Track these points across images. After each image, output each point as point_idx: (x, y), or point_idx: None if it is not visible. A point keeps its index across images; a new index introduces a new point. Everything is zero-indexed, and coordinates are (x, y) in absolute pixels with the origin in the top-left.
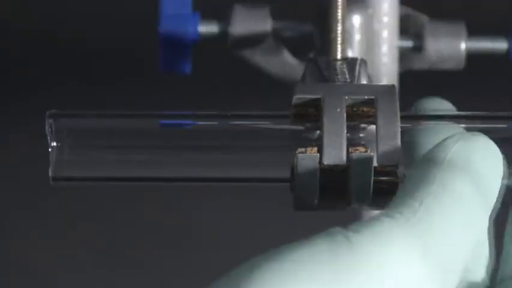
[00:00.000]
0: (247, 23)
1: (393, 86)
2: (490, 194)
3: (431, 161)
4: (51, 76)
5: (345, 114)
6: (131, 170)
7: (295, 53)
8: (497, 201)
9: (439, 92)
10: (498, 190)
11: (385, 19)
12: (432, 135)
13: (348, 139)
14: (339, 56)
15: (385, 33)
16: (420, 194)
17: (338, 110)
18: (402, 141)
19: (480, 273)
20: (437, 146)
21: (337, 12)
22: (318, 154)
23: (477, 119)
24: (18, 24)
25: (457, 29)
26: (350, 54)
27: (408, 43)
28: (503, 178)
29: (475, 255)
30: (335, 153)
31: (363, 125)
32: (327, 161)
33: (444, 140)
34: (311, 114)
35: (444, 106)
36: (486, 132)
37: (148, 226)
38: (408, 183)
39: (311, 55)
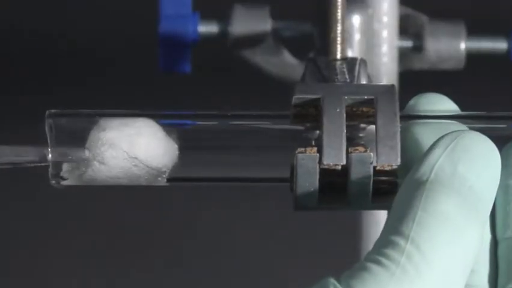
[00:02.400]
0: (247, 23)
1: (393, 86)
2: (482, 202)
3: (415, 182)
4: (50, 76)
5: (344, 114)
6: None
7: (295, 53)
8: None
9: (439, 92)
10: (494, 193)
11: (385, 19)
12: (430, 132)
13: (347, 139)
14: (338, 56)
15: (385, 33)
16: (405, 228)
17: (338, 110)
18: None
19: (481, 281)
20: (423, 158)
21: (337, 12)
22: (318, 154)
23: (477, 119)
24: (17, 24)
25: (457, 29)
26: (350, 54)
27: (408, 43)
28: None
29: (474, 264)
30: (335, 153)
31: (362, 125)
32: (327, 161)
33: (432, 147)
34: (311, 114)
35: (443, 102)
36: (486, 132)
37: (147, 226)
38: (393, 213)
39: (311, 55)
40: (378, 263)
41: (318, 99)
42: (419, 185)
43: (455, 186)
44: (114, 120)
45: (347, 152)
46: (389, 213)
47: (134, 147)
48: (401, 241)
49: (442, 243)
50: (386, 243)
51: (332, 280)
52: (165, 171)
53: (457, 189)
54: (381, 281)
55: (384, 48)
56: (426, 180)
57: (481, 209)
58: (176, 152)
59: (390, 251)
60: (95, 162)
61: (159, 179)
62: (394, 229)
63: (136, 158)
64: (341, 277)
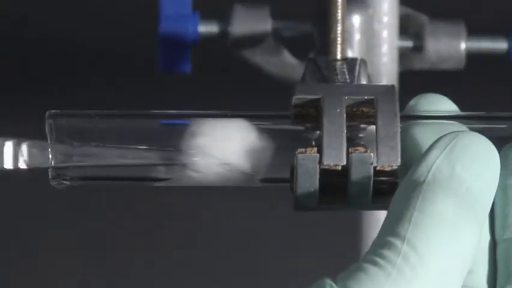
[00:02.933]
0: (247, 23)
1: (393, 86)
2: (479, 203)
3: (412, 183)
4: (50, 76)
5: (344, 115)
6: (131, 170)
7: (295, 53)
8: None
9: (439, 92)
10: (492, 193)
11: (385, 19)
12: (429, 133)
13: (348, 139)
14: (339, 56)
15: (385, 33)
16: (401, 229)
17: (338, 110)
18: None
19: (480, 282)
20: (421, 159)
21: (337, 12)
22: (318, 154)
23: (477, 120)
24: (17, 24)
25: (457, 28)
26: (350, 54)
27: (408, 43)
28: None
29: (473, 265)
30: (335, 153)
31: (363, 125)
32: (327, 161)
33: (430, 148)
34: (311, 115)
35: (443, 102)
36: (486, 132)
37: (147, 226)
38: (390, 214)
39: (311, 55)
40: (375, 263)
41: (318, 99)
42: (416, 186)
43: (452, 187)
44: (205, 124)
45: (347, 153)
46: (386, 214)
47: (225, 152)
48: (397, 242)
49: (439, 243)
50: (383, 244)
51: (329, 281)
52: (259, 173)
53: (454, 190)
54: (378, 281)
55: (384, 48)
56: (424, 181)
57: (479, 209)
58: (270, 153)
59: (386, 252)
60: (189, 171)
61: (254, 180)
62: (391, 230)
63: (228, 163)
64: (338, 277)
